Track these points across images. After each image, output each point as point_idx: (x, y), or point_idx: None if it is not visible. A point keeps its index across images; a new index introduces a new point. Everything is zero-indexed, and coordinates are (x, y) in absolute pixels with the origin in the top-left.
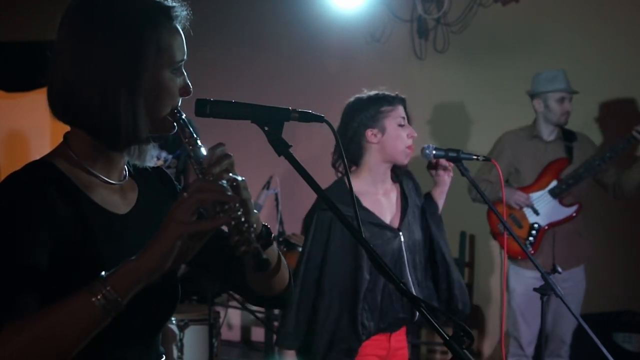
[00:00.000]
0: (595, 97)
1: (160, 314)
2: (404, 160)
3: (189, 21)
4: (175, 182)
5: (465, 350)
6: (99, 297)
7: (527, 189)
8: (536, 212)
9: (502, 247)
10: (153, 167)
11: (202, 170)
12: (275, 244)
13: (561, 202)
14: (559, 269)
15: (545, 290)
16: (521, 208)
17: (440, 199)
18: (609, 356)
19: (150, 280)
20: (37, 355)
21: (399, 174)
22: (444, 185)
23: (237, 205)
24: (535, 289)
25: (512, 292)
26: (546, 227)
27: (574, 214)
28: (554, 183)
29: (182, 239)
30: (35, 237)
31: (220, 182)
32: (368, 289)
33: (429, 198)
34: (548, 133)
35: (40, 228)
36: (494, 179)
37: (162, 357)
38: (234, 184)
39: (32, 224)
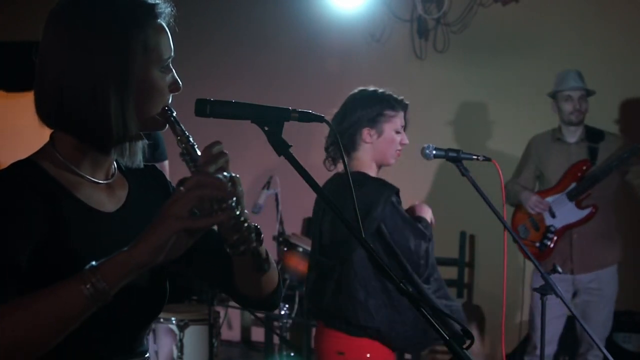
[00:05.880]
0: (596, 97)
1: (147, 313)
2: (391, 162)
3: (174, 17)
4: (169, 181)
5: (465, 350)
6: (87, 285)
7: (547, 192)
8: (553, 215)
9: (518, 250)
10: (146, 165)
11: (197, 167)
12: (264, 245)
13: (577, 205)
14: (559, 269)
15: (546, 290)
16: (538, 213)
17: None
18: (609, 356)
19: (140, 272)
20: (21, 340)
21: None
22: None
23: (235, 203)
24: (535, 289)
25: (532, 293)
26: (561, 230)
27: (588, 217)
28: (572, 185)
29: (176, 234)
30: (14, 235)
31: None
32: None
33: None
34: (570, 135)
35: (20, 227)
36: (522, 182)
37: (147, 354)
38: (230, 181)
39: (10, 224)
